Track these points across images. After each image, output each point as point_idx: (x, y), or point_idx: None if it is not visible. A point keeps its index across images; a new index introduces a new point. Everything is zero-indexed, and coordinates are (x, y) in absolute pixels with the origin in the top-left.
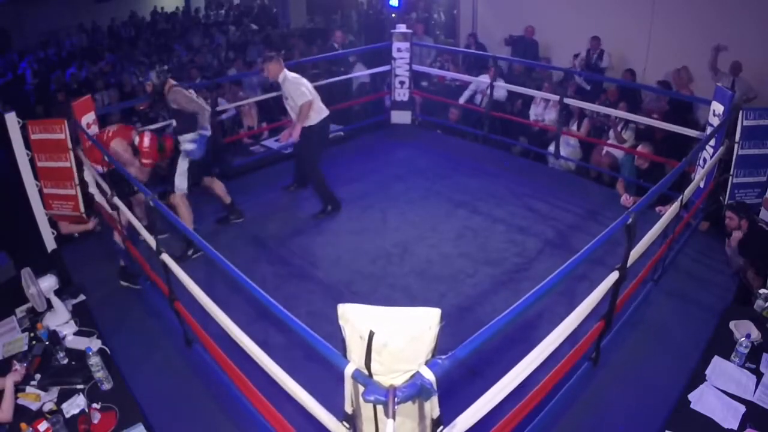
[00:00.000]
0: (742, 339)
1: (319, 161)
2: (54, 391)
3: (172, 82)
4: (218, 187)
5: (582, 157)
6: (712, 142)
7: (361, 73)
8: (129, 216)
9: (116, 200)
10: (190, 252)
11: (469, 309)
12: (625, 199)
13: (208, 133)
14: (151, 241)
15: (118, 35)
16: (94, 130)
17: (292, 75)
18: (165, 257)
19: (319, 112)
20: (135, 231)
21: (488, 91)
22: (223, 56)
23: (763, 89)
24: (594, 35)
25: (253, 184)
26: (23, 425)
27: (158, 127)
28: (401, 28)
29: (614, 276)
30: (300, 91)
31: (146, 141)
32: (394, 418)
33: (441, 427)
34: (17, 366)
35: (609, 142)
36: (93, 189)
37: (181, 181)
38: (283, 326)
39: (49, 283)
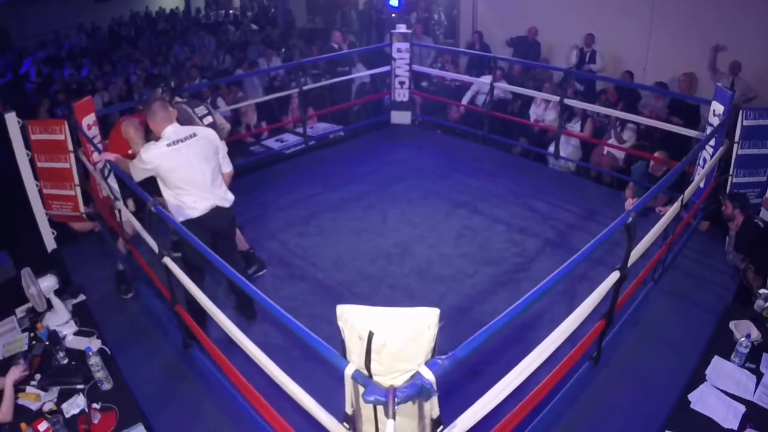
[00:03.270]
0: (742, 339)
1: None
2: (54, 391)
3: (177, 99)
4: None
5: (582, 157)
6: (712, 142)
7: (361, 73)
8: (132, 219)
9: (120, 204)
10: (251, 271)
11: (469, 309)
12: (630, 204)
13: None
14: (153, 244)
15: (118, 35)
16: (94, 131)
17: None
18: (167, 261)
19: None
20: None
21: (489, 92)
22: (221, 58)
23: (763, 89)
24: (589, 33)
25: (253, 184)
26: (23, 425)
27: None
28: (401, 28)
29: (615, 276)
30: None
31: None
32: (394, 418)
33: (441, 427)
34: (20, 360)
35: (610, 142)
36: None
37: None
38: (283, 328)
39: (49, 283)
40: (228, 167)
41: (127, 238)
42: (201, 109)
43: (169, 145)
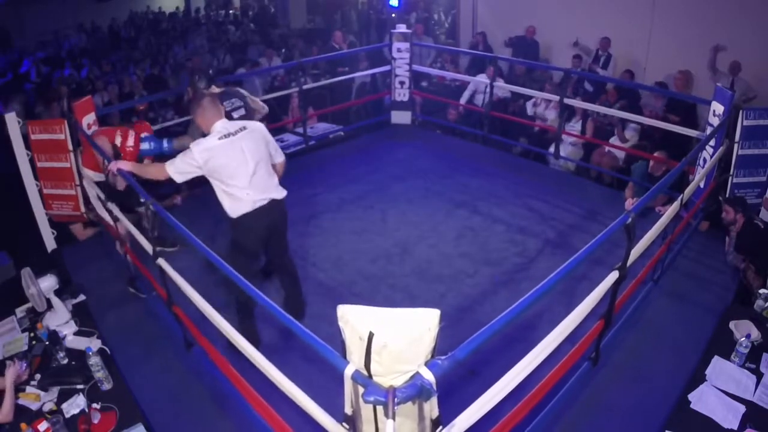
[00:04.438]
0: (742, 339)
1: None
2: (54, 391)
3: (215, 88)
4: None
5: (582, 157)
6: (712, 142)
7: (361, 73)
8: (126, 222)
9: (111, 206)
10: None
11: (469, 309)
12: (629, 204)
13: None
14: (148, 246)
15: (118, 35)
16: (94, 131)
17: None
18: (162, 262)
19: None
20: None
21: (488, 91)
22: (221, 58)
23: (763, 89)
24: (604, 36)
25: None
26: (23, 425)
27: (159, 129)
28: (401, 28)
29: (614, 276)
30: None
31: (130, 140)
32: (394, 418)
33: (440, 428)
34: (16, 360)
35: (611, 142)
36: (93, 199)
37: None
38: (283, 328)
39: (49, 283)
40: (280, 157)
41: (122, 240)
42: (233, 102)
43: (220, 138)
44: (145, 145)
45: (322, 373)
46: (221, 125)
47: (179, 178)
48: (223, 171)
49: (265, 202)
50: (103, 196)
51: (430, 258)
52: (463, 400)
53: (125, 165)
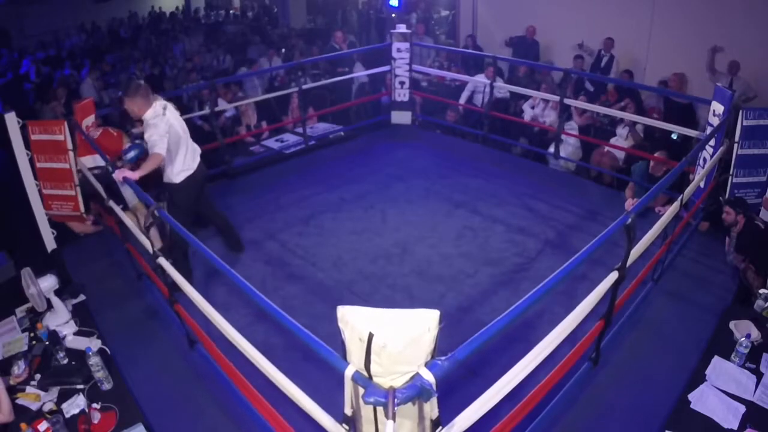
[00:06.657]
0: (742, 339)
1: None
2: (54, 391)
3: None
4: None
5: (582, 157)
6: (712, 142)
7: (361, 73)
8: (124, 218)
9: (111, 203)
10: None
11: (469, 309)
12: (629, 204)
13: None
14: (148, 244)
15: (118, 35)
16: (94, 133)
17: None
18: (162, 261)
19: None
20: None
21: (487, 91)
22: (221, 58)
23: (762, 89)
24: (608, 37)
25: (253, 184)
26: (23, 425)
27: None
28: (401, 28)
29: (614, 276)
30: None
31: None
32: (394, 419)
33: (440, 428)
34: None
35: (614, 142)
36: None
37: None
38: (284, 327)
39: (49, 283)
40: None
41: (123, 236)
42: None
43: (164, 113)
44: (131, 154)
45: (322, 372)
46: (153, 108)
47: (164, 149)
48: (174, 136)
49: (198, 162)
50: (104, 194)
51: (430, 258)
52: (463, 400)
53: (130, 174)
